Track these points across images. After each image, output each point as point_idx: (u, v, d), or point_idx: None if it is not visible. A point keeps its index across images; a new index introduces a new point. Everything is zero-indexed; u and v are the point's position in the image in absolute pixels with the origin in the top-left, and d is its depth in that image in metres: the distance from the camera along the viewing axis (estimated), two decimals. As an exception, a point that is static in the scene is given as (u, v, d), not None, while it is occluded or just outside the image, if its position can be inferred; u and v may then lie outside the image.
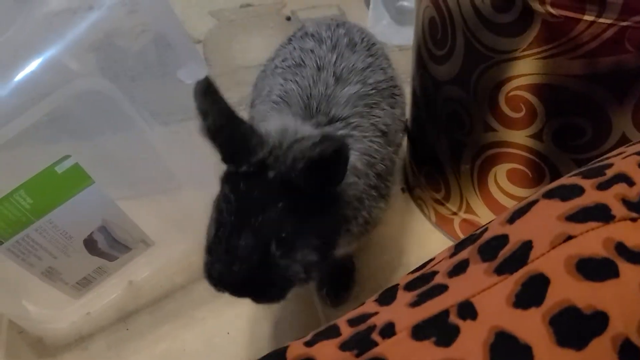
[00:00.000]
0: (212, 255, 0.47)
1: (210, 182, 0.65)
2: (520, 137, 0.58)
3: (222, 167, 0.51)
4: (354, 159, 0.53)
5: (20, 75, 0.47)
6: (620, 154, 0.41)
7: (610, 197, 0.36)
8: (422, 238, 0.75)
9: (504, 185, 0.63)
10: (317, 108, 0.55)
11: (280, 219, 0.46)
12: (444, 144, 0.66)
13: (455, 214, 0.71)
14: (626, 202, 0.35)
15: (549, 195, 0.38)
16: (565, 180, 0.40)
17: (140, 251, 0.62)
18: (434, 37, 0.61)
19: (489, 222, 0.43)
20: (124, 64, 0.72)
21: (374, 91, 0.59)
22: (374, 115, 0.57)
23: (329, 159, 0.43)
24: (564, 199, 0.37)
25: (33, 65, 0.47)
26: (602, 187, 0.37)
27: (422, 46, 0.65)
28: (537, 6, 0.49)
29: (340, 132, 0.54)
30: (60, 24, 0.53)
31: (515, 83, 0.55)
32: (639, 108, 0.52)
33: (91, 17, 0.52)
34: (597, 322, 0.31)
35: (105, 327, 0.66)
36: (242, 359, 0.63)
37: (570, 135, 0.55)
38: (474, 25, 0.55)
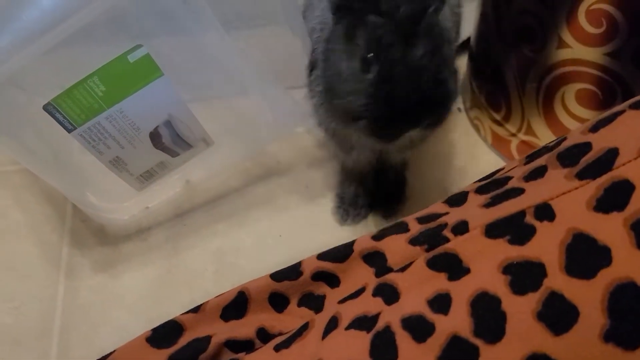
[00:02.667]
0: (380, 86, 0.42)
1: (275, 94, 0.65)
2: (596, 55, 0.56)
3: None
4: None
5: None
6: None
7: None
8: (477, 158, 0.75)
9: (571, 106, 0.61)
10: None
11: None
12: (511, 61, 0.64)
13: (513, 135, 0.70)
14: None
15: (637, 105, 0.37)
16: (654, 92, 0.39)
17: (200, 150, 0.63)
18: (515, -57, 0.58)
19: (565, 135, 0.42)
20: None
21: None
22: None
23: None
24: (655, 109, 0.36)
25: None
26: (696, 98, 0.36)
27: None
28: None
29: None
30: None
31: (600, -5, 0.52)
32: None
33: None
34: (682, 228, 0.31)
35: (163, 222, 0.69)
36: (292, 259, 0.65)
37: (652, 55, 0.53)
38: None
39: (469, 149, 0.76)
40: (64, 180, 0.58)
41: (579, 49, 0.57)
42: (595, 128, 0.38)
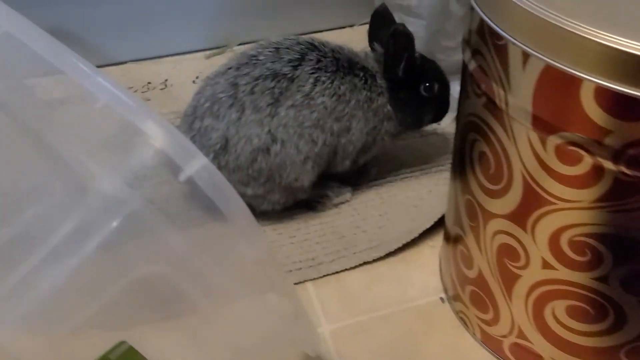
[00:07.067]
0: None
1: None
2: (583, 278, 0.55)
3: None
4: None
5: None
6: None
7: None
8: (467, 357, 0.72)
9: (563, 319, 0.60)
10: None
11: None
12: (494, 271, 0.63)
13: (505, 336, 0.68)
14: None
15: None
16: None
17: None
18: (486, 170, 0.59)
19: None
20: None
21: None
22: None
23: None
24: None
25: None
26: None
27: (469, 174, 0.62)
28: (609, 165, 0.47)
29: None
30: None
31: (580, 230, 0.52)
32: None
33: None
34: None
35: None
36: None
37: (640, 282, 0.53)
38: (534, 170, 0.52)
39: (457, 346, 0.73)
40: None
41: (564, 271, 0.56)
42: None
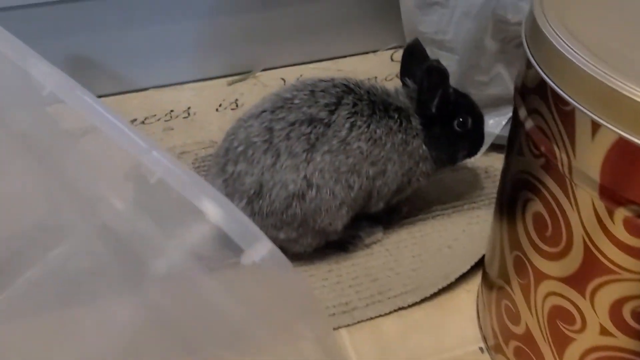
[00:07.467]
0: None
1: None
2: (644, 347, 0.53)
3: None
4: None
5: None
6: None
7: None
8: (511, 412, 0.70)
9: (619, 385, 0.58)
10: None
11: None
12: (544, 331, 0.61)
13: (552, 395, 0.65)
14: None
15: None
16: None
17: None
18: (541, 231, 0.57)
19: None
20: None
21: None
22: None
23: None
24: None
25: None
26: None
27: (520, 231, 0.60)
28: (685, 241, 0.45)
29: None
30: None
31: (646, 302, 0.50)
32: None
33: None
34: None
35: None
36: None
37: None
38: (598, 239, 0.50)
39: (500, 399, 0.71)
40: None
41: (624, 339, 0.54)
42: None
